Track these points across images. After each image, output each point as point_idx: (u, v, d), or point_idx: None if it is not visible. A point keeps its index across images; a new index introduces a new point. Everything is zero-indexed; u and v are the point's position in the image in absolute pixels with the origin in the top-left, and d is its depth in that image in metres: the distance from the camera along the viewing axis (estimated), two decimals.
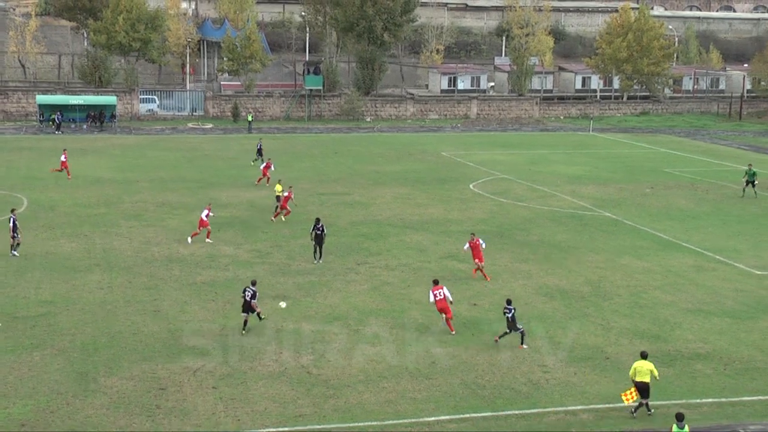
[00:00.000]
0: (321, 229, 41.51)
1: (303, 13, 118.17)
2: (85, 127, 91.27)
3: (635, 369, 26.27)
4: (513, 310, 31.16)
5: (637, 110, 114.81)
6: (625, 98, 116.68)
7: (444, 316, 32.66)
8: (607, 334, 32.53)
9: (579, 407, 26.59)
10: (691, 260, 43.49)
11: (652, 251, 45.12)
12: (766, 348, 31.36)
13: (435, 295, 32.57)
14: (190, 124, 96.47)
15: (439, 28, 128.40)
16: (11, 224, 41.54)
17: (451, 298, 32.91)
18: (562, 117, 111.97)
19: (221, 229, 47.41)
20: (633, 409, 26.21)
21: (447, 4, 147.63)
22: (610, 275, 40.46)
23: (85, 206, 53.05)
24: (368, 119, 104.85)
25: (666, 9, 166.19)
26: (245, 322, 32.09)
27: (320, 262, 41.35)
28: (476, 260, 39.52)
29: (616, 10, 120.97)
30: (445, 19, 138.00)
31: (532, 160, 75.31)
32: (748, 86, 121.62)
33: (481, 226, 49.38)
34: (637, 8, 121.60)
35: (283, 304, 33.64)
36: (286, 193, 51.01)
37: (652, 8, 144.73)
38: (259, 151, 70.09)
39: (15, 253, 41.54)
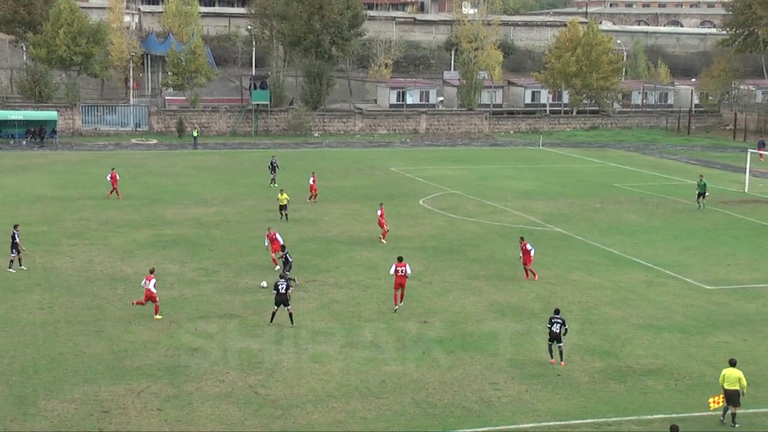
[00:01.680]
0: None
1: (249, 27, 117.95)
2: (24, 143, 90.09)
3: (723, 376, 26.83)
4: (562, 322, 31.06)
5: (586, 125, 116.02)
6: (574, 113, 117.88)
7: (399, 291, 36.90)
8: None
9: (531, 425, 26.71)
10: (641, 275, 43.98)
11: (602, 266, 45.57)
12: (716, 363, 31.75)
13: (397, 271, 36.79)
14: (133, 140, 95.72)
15: (388, 42, 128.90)
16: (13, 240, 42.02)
17: (410, 272, 37.47)
18: (511, 131, 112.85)
19: (166, 247, 47.01)
20: (722, 415, 26.85)
21: (395, 18, 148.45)
22: (561, 291, 40.76)
23: (25, 224, 52.10)
24: (316, 134, 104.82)
25: (614, 24, 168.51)
26: (273, 315, 33.95)
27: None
28: (525, 264, 42.03)
29: (565, 25, 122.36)
30: (393, 33, 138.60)
31: (482, 175, 75.78)
32: (696, 101, 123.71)
33: (431, 242, 49.55)
34: (586, 23, 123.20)
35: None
36: (379, 212, 50.59)
37: (601, 23, 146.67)
38: (273, 168, 68.66)
39: (22, 267, 42.22)
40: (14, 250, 41.97)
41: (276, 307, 34.36)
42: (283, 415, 26.85)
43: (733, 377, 26.64)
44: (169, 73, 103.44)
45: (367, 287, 40.72)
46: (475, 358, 31.78)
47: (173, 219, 54.48)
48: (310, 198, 61.39)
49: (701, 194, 61.21)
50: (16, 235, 42.01)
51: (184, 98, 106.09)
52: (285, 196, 55.19)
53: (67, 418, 26.26)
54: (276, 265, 42.64)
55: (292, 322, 34.53)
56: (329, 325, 35.25)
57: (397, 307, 37.07)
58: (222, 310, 36.66)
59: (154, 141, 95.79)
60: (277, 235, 43.24)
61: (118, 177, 61.32)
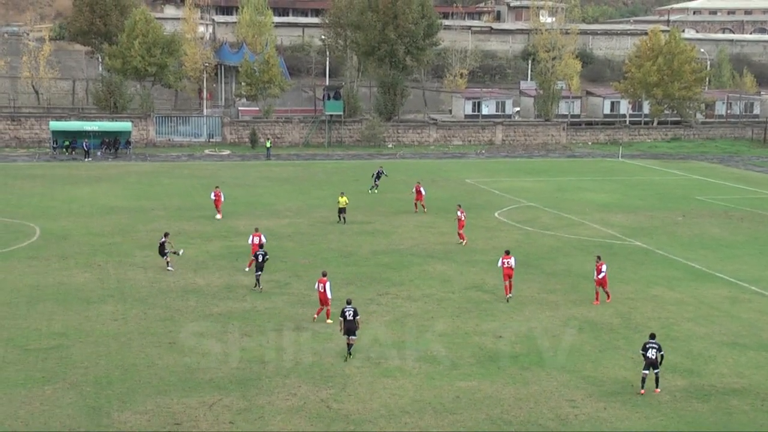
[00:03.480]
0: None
1: (323, 37, 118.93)
2: (99, 153, 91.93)
3: None
4: (658, 347, 30.02)
5: (667, 136, 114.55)
6: (655, 123, 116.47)
7: (508, 282, 40.64)
8: (638, 367, 32.24)
9: None
10: (725, 291, 43.21)
11: (684, 282, 44.88)
12: None
13: (504, 263, 40.61)
14: (206, 151, 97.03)
15: (463, 51, 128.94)
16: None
17: (514, 264, 40.93)
18: (590, 143, 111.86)
19: (239, 259, 47.55)
20: None
21: (471, 27, 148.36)
22: (641, 306, 40.24)
23: (98, 235, 53.36)
24: (390, 145, 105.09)
25: (697, 32, 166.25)
26: (349, 346, 32.71)
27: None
28: (601, 285, 40.96)
29: (646, 33, 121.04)
30: (469, 42, 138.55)
31: (560, 188, 75.21)
32: None
33: None
34: (668, 31, 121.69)
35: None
36: (460, 216, 53.09)
37: (683, 31, 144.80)
38: (378, 176, 71.90)
39: (170, 268, 45.27)
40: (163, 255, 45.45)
41: (347, 337, 32.75)
42: (356, 429, 26.92)
43: None
44: (243, 84, 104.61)
45: (441, 300, 40.67)
46: (551, 374, 31.52)
47: (245, 230, 55.03)
48: (417, 208, 62.71)
49: None
50: (165, 243, 45.41)
51: (257, 109, 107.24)
52: (345, 199, 57.80)
53: (140, 429, 26.68)
54: (248, 266, 44.72)
55: (349, 354, 32.71)
56: (402, 338, 35.27)
57: (508, 296, 40.78)
58: (294, 322, 36.92)
59: (227, 152, 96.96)
60: (262, 237, 45.14)
61: (222, 196, 60.44)
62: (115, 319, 37.17)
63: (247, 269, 44.99)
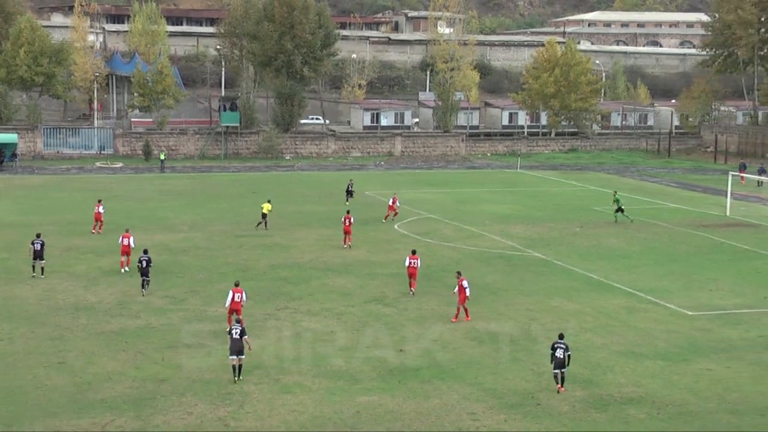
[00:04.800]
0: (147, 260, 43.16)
1: (218, 47, 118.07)
2: None
3: None
4: (566, 347, 31.50)
5: (565, 147, 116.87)
6: (553, 134, 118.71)
7: (413, 279, 43.62)
8: (539, 379, 32.78)
9: None
10: (622, 301, 44.17)
11: (583, 292, 45.73)
12: (699, 391, 31.92)
13: (410, 262, 43.56)
14: (98, 163, 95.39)
15: (361, 62, 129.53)
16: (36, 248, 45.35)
17: (419, 265, 44.16)
18: (489, 154, 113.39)
19: (133, 274, 46.79)
20: None
21: (369, 37, 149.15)
22: (541, 318, 40.85)
23: None
24: (288, 157, 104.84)
25: (593, 44, 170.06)
26: (235, 368, 31.72)
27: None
28: (460, 303, 39.96)
29: (543, 45, 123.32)
30: (367, 53, 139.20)
31: (460, 199, 75.98)
32: (676, 122, 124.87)
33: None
34: (564, 42, 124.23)
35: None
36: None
37: (579, 42, 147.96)
38: (350, 192, 71.65)
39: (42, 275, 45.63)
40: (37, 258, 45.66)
41: (233, 358, 31.83)
42: None
43: None
44: (135, 95, 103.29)
45: (341, 314, 40.65)
46: (452, 387, 31.76)
47: (140, 245, 54.13)
48: (387, 217, 64.54)
49: (619, 209, 64.68)
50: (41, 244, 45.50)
51: (150, 120, 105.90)
52: (268, 205, 60.65)
53: None
54: (123, 267, 47.25)
55: (237, 375, 31.77)
56: (302, 354, 35.12)
57: (412, 291, 43.64)
58: (191, 339, 36.46)
59: (120, 164, 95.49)
60: (131, 239, 47.23)
61: (102, 212, 58.77)
62: (0, 339, 36.15)
63: (122, 270, 47.25)
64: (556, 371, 31.46)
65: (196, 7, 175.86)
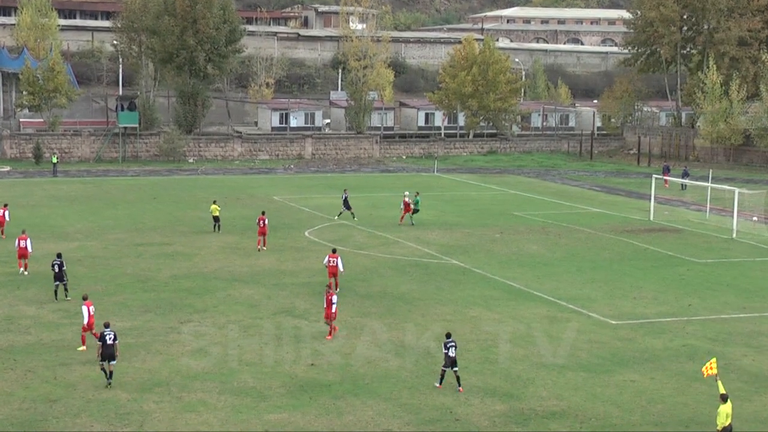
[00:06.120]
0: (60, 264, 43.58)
1: (115, 42, 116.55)
2: None
3: (726, 414, 27.04)
4: (455, 345, 32.82)
5: (484, 149, 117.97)
6: (471, 136, 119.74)
7: (333, 279, 44.79)
8: (457, 393, 33.03)
9: None
10: (543, 310, 44.72)
11: (502, 301, 46.20)
12: (622, 403, 32.48)
13: (329, 261, 44.84)
14: None
15: (269, 59, 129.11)
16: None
17: (342, 269, 45.25)
18: (404, 156, 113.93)
19: (21, 286, 45.89)
20: None
21: (277, 33, 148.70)
22: (459, 328, 41.11)
23: None
24: (191, 160, 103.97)
25: (512, 41, 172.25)
26: (108, 373, 32.34)
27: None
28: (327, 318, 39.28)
29: (460, 42, 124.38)
30: (275, 49, 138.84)
31: (373, 204, 76.18)
32: (598, 123, 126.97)
33: (317, 277, 49.42)
34: (482, 40, 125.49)
35: None
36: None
37: (497, 40, 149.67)
38: (346, 203, 68.25)
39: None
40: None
41: (103, 363, 32.42)
42: None
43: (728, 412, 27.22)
44: (24, 93, 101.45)
45: (248, 327, 40.43)
46: (366, 403, 31.80)
47: (30, 255, 53.20)
48: (402, 219, 66.67)
49: (415, 210, 66.66)
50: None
51: (41, 121, 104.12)
52: (216, 207, 61.99)
53: None
54: (21, 268, 48.39)
55: (109, 383, 32.41)
56: (206, 369, 34.83)
57: (336, 291, 42.15)
58: (85, 356, 35.89)
59: (7, 168, 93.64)
60: (28, 241, 48.15)
61: (7, 217, 59.23)
62: None
63: (21, 270, 48.39)
64: (446, 369, 32.92)
65: None
